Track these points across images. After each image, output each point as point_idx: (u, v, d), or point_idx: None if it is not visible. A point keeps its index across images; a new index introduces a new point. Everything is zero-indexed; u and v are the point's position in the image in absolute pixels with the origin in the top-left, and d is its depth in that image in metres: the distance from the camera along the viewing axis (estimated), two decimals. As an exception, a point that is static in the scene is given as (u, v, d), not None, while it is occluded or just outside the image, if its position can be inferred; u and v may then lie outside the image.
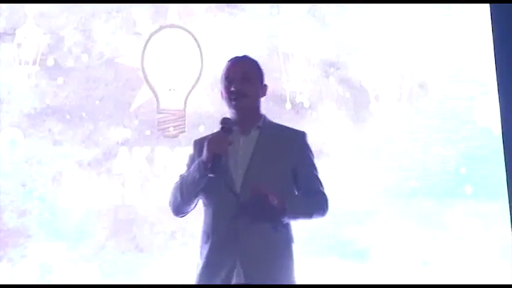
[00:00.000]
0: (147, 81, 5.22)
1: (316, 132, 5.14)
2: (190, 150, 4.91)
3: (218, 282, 2.83)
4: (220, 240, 2.86)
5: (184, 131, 5.11)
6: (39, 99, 5.14)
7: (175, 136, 5.11)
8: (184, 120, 5.13)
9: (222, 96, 3.03)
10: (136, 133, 5.13)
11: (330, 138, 5.16)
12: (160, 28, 5.32)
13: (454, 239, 5.00)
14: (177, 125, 5.13)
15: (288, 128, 3.09)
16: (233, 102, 2.94)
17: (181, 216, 3.07)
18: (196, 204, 2.98)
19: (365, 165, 5.11)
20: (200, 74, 5.19)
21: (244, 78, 2.95)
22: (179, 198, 2.95)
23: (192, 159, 3.04)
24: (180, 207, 2.99)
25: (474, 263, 4.97)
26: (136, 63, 5.25)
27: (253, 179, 2.84)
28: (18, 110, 5.11)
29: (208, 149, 2.83)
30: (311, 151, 3.05)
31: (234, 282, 2.81)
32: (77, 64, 5.22)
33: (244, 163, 2.88)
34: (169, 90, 5.18)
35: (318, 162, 4.94)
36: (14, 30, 5.22)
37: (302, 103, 5.22)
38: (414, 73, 5.25)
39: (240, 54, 5.13)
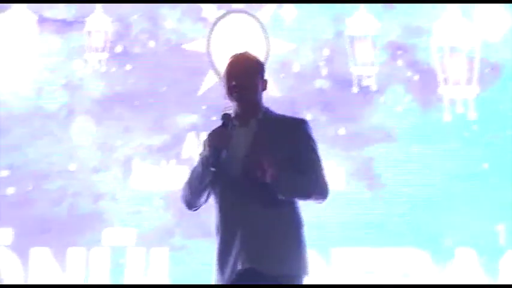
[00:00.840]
0: (213, 66, 5.24)
1: (384, 116, 5.12)
2: (257, 135, 5.05)
3: (228, 272, 2.85)
4: (226, 231, 2.90)
5: (251, 116, 5.11)
6: (109, 86, 5.22)
7: (242, 121, 5.11)
8: (251, 105, 5.13)
9: (225, 91, 3.03)
10: (204, 118, 5.15)
11: (398, 122, 5.11)
12: (226, 13, 5.33)
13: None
14: (244, 110, 5.13)
15: (288, 117, 3.09)
16: (234, 95, 2.98)
17: (195, 210, 3.10)
18: (208, 198, 3.01)
19: (434, 149, 5.04)
20: (266, 59, 5.18)
21: (244, 73, 2.98)
22: (189, 192, 3.02)
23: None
24: (190, 202, 3.06)
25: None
26: (203, 49, 5.28)
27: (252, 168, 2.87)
28: (90, 97, 5.21)
29: (209, 144, 2.92)
30: (311, 138, 3.02)
31: (239, 268, 2.82)
32: (144, 50, 5.28)
33: (243, 153, 2.90)
34: (236, 75, 5.18)
35: (386, 146, 5.00)
36: (84, 18, 5.32)
37: (369, 87, 5.19)
38: (486, 55, 5.15)
39: (306, 39, 5.20)
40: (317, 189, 2.94)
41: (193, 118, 5.17)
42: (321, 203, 2.98)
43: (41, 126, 5.15)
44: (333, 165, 5.02)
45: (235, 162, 2.89)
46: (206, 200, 3.03)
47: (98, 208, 5.00)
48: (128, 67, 5.24)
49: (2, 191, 5.04)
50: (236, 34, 5.30)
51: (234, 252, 2.85)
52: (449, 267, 4.89)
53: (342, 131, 5.11)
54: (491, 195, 4.94)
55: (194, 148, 5.08)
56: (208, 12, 5.31)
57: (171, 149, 5.14)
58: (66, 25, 5.27)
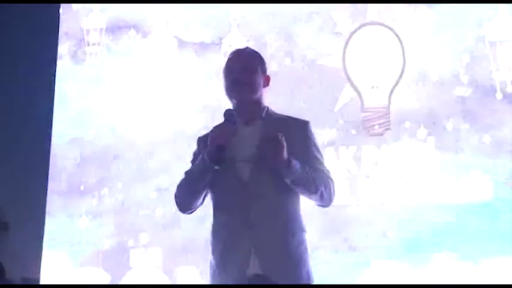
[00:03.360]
0: (349, 80, 5.21)
1: (531, 122, 4.90)
2: (397, 146, 4.96)
3: (234, 275, 2.72)
4: (232, 232, 2.77)
5: (389, 128, 5.05)
6: (247, 105, 5.29)
7: (381, 134, 5.06)
8: (389, 117, 5.06)
9: (224, 90, 2.98)
10: (342, 133, 5.12)
11: (547, 128, 4.87)
12: (360, 26, 5.29)
13: None
14: (382, 123, 5.07)
15: (290, 117, 3.00)
16: (233, 93, 2.91)
17: (189, 213, 2.98)
18: (204, 200, 2.90)
19: None
20: (403, 70, 5.10)
21: (244, 69, 2.91)
22: (186, 194, 2.89)
23: (195, 156, 2.96)
24: (187, 204, 2.92)
25: None
26: (338, 64, 5.25)
27: (261, 168, 2.75)
28: (229, 117, 5.29)
29: (211, 141, 2.78)
30: (316, 141, 2.94)
31: (249, 273, 2.69)
32: (280, 68, 5.31)
33: (251, 153, 2.77)
34: (372, 88, 5.14)
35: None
36: (220, 39, 5.44)
37: (514, 92, 4.99)
38: None
39: (444, 47, 5.06)
40: (326, 187, 2.81)
41: (331, 133, 5.14)
42: (324, 206, 2.86)
43: (184, 148, 5.29)
44: (478, 174, 4.85)
45: (243, 163, 2.79)
46: (202, 202, 2.93)
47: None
48: (265, 85, 5.30)
49: (151, 212, 5.20)
50: (371, 47, 5.24)
51: (241, 254, 2.72)
52: None
53: (486, 139, 4.92)
54: None
55: (333, 163, 5.04)
56: (342, 26, 5.30)
57: (310, 165, 5.13)
58: (203, 47, 5.41)
